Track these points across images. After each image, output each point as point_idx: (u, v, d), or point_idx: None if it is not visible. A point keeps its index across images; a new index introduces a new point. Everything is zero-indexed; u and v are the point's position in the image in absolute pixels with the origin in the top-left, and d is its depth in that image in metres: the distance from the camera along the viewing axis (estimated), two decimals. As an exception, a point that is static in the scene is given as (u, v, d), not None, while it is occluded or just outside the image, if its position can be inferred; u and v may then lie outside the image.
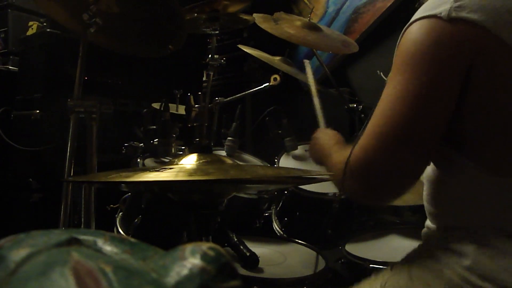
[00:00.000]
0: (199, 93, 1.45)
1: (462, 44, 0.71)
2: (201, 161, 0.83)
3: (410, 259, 0.85)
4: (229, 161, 0.88)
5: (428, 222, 0.88)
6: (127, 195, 1.45)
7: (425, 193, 0.86)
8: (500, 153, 0.74)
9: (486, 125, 0.74)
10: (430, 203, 0.85)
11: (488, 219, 0.75)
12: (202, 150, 0.87)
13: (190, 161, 0.84)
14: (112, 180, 0.75)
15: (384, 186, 0.78)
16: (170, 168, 0.76)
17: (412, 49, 0.74)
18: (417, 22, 0.75)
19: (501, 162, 0.74)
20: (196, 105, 1.42)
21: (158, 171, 0.72)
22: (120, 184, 0.89)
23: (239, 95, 1.75)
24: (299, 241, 1.28)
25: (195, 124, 1.39)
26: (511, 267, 0.69)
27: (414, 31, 0.75)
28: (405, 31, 0.77)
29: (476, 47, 0.71)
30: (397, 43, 0.78)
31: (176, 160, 0.87)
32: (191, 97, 1.42)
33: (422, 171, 0.79)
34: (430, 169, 0.84)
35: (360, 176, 0.77)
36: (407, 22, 0.78)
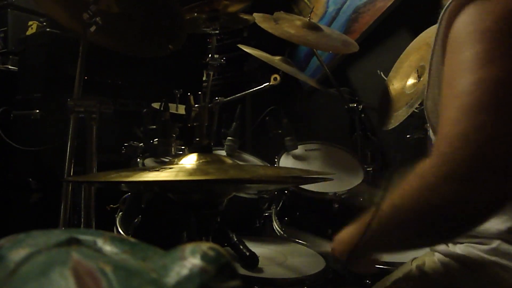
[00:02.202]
0: (199, 92, 1.45)
1: None
2: (201, 161, 0.83)
3: (416, 274, 0.84)
4: (229, 161, 0.88)
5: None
6: (127, 195, 1.45)
7: None
8: None
9: None
10: None
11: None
12: (202, 150, 0.87)
13: (190, 161, 0.84)
14: (112, 180, 0.75)
15: (498, 168, 0.57)
16: (170, 168, 0.75)
17: (487, 20, 0.63)
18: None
19: None
20: (196, 105, 1.42)
21: (157, 170, 0.72)
22: (120, 184, 0.89)
23: (239, 95, 1.75)
24: (299, 241, 1.28)
25: (195, 124, 1.39)
26: None
27: (489, 9, 0.63)
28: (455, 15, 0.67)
29: None
30: (440, 28, 0.69)
31: (176, 160, 0.87)
32: (191, 97, 1.42)
33: None
34: None
35: (467, 169, 0.57)
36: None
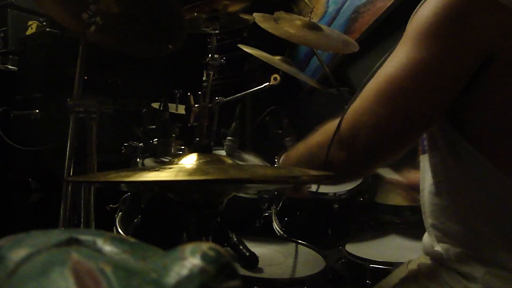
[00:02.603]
0: (199, 92, 1.45)
1: (485, 24, 0.67)
2: (201, 161, 0.83)
3: (411, 279, 0.83)
4: (229, 161, 0.88)
5: (426, 239, 0.83)
6: (127, 195, 1.44)
7: (428, 209, 0.81)
8: None
9: (503, 120, 0.69)
10: (433, 215, 0.80)
11: (499, 228, 0.71)
12: (202, 150, 0.87)
13: (189, 160, 0.84)
14: (112, 180, 0.75)
15: (373, 152, 0.74)
16: (170, 168, 0.75)
17: (431, 19, 0.70)
18: None
19: None
20: (196, 105, 1.41)
21: (157, 170, 0.72)
22: (120, 184, 0.89)
23: (239, 95, 1.75)
24: (299, 241, 1.28)
25: (195, 124, 1.39)
26: None
27: (435, 1, 0.71)
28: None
29: (500, 31, 0.67)
30: (415, 11, 0.75)
31: (175, 159, 0.87)
32: (191, 96, 1.42)
33: (411, 142, 0.76)
34: (432, 180, 0.79)
35: (352, 139, 0.74)
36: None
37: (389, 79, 0.71)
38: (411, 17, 0.75)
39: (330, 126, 0.78)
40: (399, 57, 0.72)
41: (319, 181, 1.02)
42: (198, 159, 0.84)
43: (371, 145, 0.73)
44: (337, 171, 0.72)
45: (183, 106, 1.46)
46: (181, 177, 0.68)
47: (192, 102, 1.40)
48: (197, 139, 0.95)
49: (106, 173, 0.78)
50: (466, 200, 0.75)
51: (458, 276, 0.73)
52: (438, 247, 0.79)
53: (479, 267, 0.71)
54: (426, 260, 0.85)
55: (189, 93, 1.42)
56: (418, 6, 0.74)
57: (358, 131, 0.74)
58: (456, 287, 0.73)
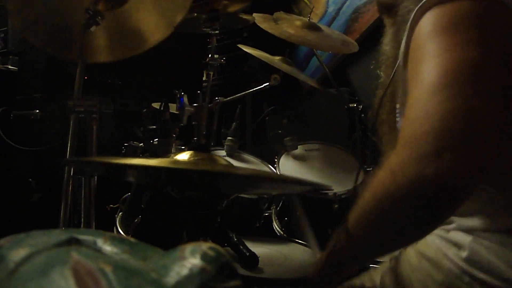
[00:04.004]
0: (198, 92, 1.45)
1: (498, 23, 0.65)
2: (194, 158, 0.84)
3: (409, 249, 0.84)
4: (222, 161, 0.89)
5: None
6: (127, 195, 1.45)
7: None
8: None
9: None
10: None
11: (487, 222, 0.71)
12: (199, 149, 0.87)
13: (183, 156, 0.85)
14: (110, 161, 0.75)
15: (474, 139, 0.55)
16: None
17: (444, 19, 0.65)
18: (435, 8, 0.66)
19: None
20: (195, 104, 1.42)
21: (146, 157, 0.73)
22: (123, 172, 0.89)
23: (239, 95, 1.75)
24: (299, 241, 1.28)
25: (193, 123, 1.39)
26: (509, 258, 0.67)
27: (437, 13, 0.66)
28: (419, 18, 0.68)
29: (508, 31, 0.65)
30: (408, 30, 0.71)
31: (171, 155, 0.88)
32: (185, 96, 1.42)
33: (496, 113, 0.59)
34: None
35: (430, 146, 0.54)
36: None
37: (434, 78, 0.60)
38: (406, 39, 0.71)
39: (385, 168, 0.60)
40: (433, 59, 0.63)
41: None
42: (192, 156, 0.85)
43: (456, 136, 0.55)
44: (447, 191, 0.54)
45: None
46: (164, 164, 0.69)
47: (187, 101, 1.40)
48: (195, 138, 0.96)
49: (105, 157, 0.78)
50: None
51: (450, 244, 0.74)
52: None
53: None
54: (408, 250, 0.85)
55: (183, 93, 1.42)
56: (411, 22, 0.70)
57: (432, 134, 0.55)
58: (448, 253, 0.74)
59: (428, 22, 0.67)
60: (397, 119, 0.84)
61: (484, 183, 0.69)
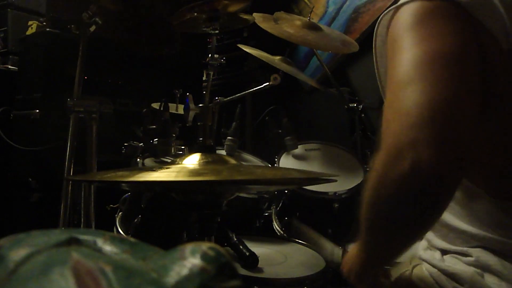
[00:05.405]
0: (204, 92, 1.45)
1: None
2: (203, 161, 0.83)
3: (404, 282, 0.82)
4: (232, 161, 0.88)
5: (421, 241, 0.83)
6: (127, 195, 1.44)
7: None
8: (501, 173, 0.68)
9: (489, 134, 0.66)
10: None
11: (486, 240, 0.70)
12: (205, 150, 0.87)
13: (192, 161, 0.84)
14: (112, 179, 0.75)
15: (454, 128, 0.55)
16: (167, 168, 0.76)
17: (420, 11, 0.66)
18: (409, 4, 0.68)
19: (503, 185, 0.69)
20: (200, 105, 1.41)
21: (155, 171, 0.72)
22: (120, 184, 0.89)
23: (239, 94, 1.75)
24: (299, 241, 1.28)
25: (198, 124, 1.39)
26: None
27: (408, 10, 0.68)
28: (393, 15, 0.71)
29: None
30: (380, 26, 0.74)
31: (178, 160, 0.87)
32: (191, 96, 1.42)
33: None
34: None
35: (405, 137, 0.55)
36: None
37: (405, 71, 0.61)
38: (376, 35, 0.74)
39: (376, 168, 0.59)
40: (404, 58, 0.64)
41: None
42: (201, 159, 0.84)
43: (425, 127, 0.54)
44: (440, 176, 0.54)
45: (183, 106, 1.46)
46: (181, 177, 0.68)
47: (192, 102, 1.40)
48: (201, 139, 0.95)
49: (104, 172, 0.78)
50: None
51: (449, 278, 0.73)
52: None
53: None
54: (420, 266, 0.84)
55: (188, 93, 1.42)
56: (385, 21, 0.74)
57: (403, 129, 0.55)
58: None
59: (404, 16, 0.68)
60: None
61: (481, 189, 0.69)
